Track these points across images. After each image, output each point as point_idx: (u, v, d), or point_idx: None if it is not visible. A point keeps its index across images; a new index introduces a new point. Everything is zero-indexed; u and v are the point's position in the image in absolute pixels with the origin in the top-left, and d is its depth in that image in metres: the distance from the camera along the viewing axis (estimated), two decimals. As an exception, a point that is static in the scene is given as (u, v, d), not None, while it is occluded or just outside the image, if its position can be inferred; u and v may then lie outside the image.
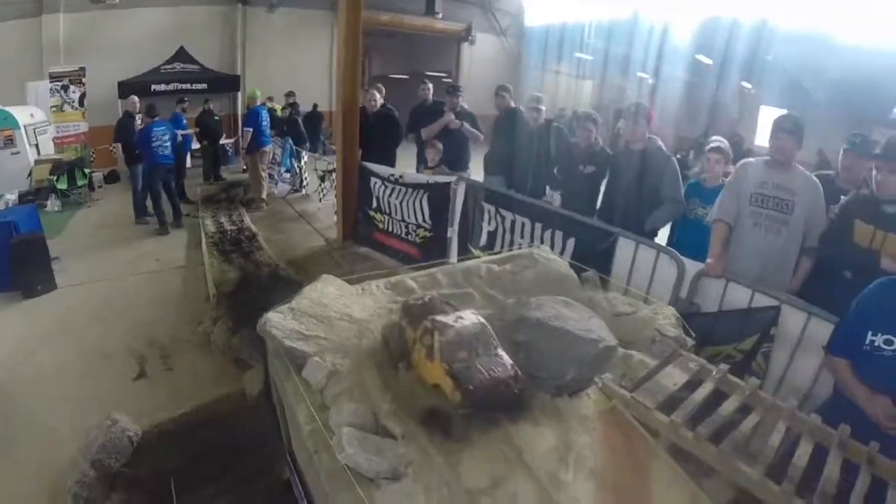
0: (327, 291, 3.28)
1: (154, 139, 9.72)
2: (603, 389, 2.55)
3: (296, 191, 12.22)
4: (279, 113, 14.42)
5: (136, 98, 11.16)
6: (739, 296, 4.27)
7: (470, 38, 21.13)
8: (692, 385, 2.65)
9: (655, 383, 2.61)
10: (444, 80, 18.84)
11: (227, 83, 16.96)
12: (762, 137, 11.25)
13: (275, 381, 3.04)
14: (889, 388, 2.80)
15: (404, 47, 22.10)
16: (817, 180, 4.39)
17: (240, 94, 16.43)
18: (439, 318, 2.61)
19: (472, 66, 20.89)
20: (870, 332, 2.89)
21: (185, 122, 12.47)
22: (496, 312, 3.17)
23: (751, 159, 4.68)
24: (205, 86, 16.18)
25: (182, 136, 11.53)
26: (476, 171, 7.96)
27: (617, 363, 2.83)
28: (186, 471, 3.70)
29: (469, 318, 2.66)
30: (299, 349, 2.80)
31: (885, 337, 2.83)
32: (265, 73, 16.89)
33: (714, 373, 2.72)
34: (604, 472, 2.24)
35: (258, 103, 11.44)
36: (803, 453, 2.30)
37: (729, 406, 2.51)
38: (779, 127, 4.35)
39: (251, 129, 10.92)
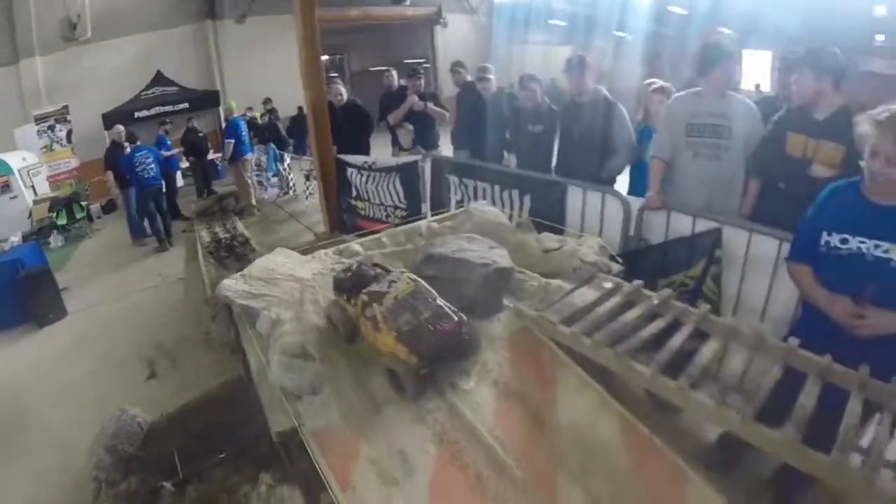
0: (277, 259, 3.68)
1: (138, 164, 10.19)
2: (514, 312, 2.83)
3: (285, 193, 12.50)
4: (259, 120, 14.71)
5: (121, 127, 11.51)
6: (683, 224, 4.48)
7: (441, 20, 21.18)
8: (602, 301, 2.92)
9: (567, 304, 2.89)
10: (424, 65, 19.06)
11: (207, 100, 17.20)
12: (747, 81, 11.44)
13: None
14: (847, 287, 2.91)
15: (379, 40, 22.22)
16: (752, 103, 4.56)
17: (221, 108, 16.64)
18: (373, 288, 2.73)
19: (447, 48, 20.95)
20: (825, 233, 3.00)
21: (169, 143, 12.79)
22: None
23: (680, 93, 4.87)
24: (186, 105, 16.46)
25: (167, 156, 11.88)
26: (448, 148, 8.25)
27: (536, 291, 3.11)
28: (191, 448, 4.02)
29: (401, 280, 2.78)
30: (249, 306, 3.24)
31: (840, 236, 2.94)
32: (244, 83, 17.09)
33: (625, 288, 2.99)
34: (510, 382, 2.53)
35: (235, 115, 11.74)
36: (707, 351, 2.57)
37: (631, 314, 2.77)
38: (708, 57, 4.51)
39: (232, 141, 11.22)
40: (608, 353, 2.51)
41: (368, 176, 7.59)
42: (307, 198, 11.62)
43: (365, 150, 8.36)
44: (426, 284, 2.78)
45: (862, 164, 2.86)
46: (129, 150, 10.62)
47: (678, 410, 3.85)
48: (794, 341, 2.67)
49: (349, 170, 7.89)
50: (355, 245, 3.95)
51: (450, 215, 4.34)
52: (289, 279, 3.52)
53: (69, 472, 4.29)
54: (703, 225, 4.37)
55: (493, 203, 5.64)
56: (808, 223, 3.14)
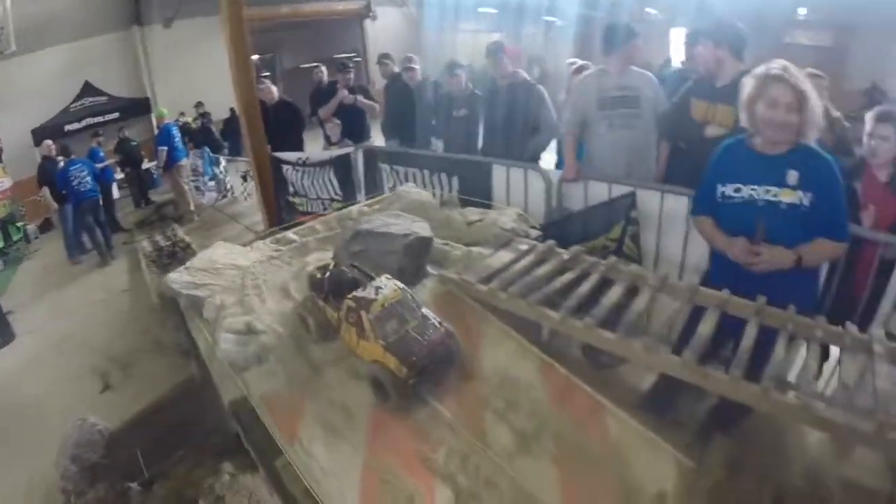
0: (218, 252, 3.94)
1: (73, 178, 10.27)
2: (438, 278, 3.14)
3: (223, 196, 12.58)
4: (192, 125, 14.72)
5: (49, 142, 11.50)
6: (601, 191, 4.86)
7: (371, 14, 21.36)
8: (517, 261, 3.25)
9: (486, 266, 3.22)
10: (355, 59, 19.18)
11: (138, 107, 17.04)
12: (676, 58, 11.89)
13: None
14: (744, 231, 3.23)
15: (310, 36, 22.13)
16: (651, 74, 5.01)
17: (153, 115, 16.52)
18: (359, 293, 2.67)
19: (377, 41, 21.02)
20: (719, 185, 3.33)
21: (102, 154, 12.72)
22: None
23: (585, 72, 5.30)
24: (117, 115, 16.29)
25: (101, 168, 11.87)
26: (380, 139, 8.52)
27: (460, 259, 3.42)
28: (153, 449, 4.20)
29: (387, 285, 2.72)
30: (195, 295, 3.47)
31: (734, 186, 3.27)
32: (175, 88, 16.92)
33: (538, 247, 3.33)
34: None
35: (167, 121, 11.82)
36: (613, 294, 2.91)
37: (542, 270, 3.11)
38: (611, 37, 4.89)
39: (166, 148, 11.30)
40: (521, 303, 2.84)
41: (304, 171, 7.80)
42: (245, 199, 11.72)
43: (298, 147, 8.56)
44: (411, 293, 2.76)
45: (744, 123, 3.24)
46: (62, 164, 10.61)
47: (615, 366, 4.24)
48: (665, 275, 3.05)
49: (284, 167, 8.07)
50: (290, 234, 4.20)
51: (379, 199, 4.63)
52: (230, 268, 3.76)
53: (35, 491, 4.40)
54: (618, 190, 4.75)
55: (424, 186, 5.96)
56: (707, 179, 3.47)
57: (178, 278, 3.66)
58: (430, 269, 3.27)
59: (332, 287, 2.92)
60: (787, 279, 3.12)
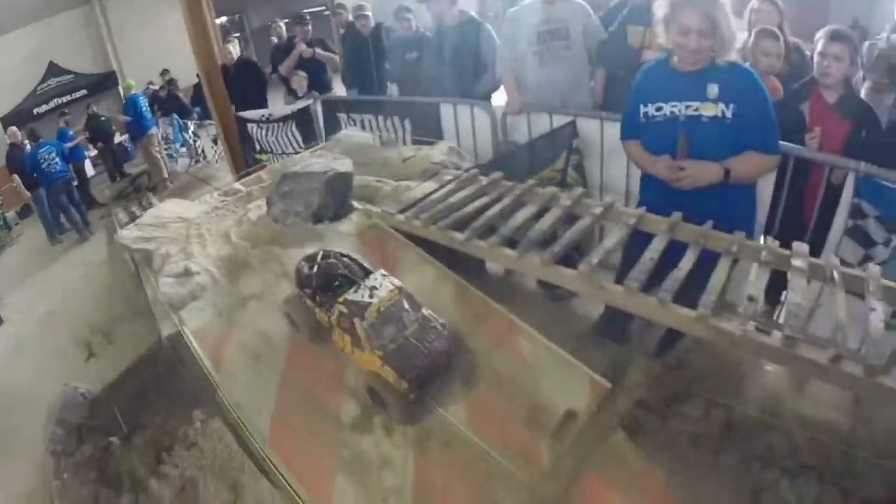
0: (166, 207, 4.21)
1: (42, 161, 10.61)
2: (362, 212, 3.38)
3: (196, 162, 12.74)
4: (160, 93, 14.81)
5: (14, 128, 11.77)
6: (543, 123, 5.07)
7: (335, -34, 21.17)
8: (439, 190, 3.48)
9: (408, 197, 3.46)
10: (324, 13, 19.10)
11: (105, 82, 17.11)
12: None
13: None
14: (667, 148, 3.39)
15: (276, -7, 22.03)
16: (581, 1, 5.15)
17: (121, 88, 16.52)
18: (351, 297, 2.50)
19: (345, -7, 20.86)
20: (642, 106, 3.47)
21: (71, 133, 12.88)
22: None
23: (512, 9, 5.50)
24: (84, 92, 16.39)
25: (71, 147, 12.12)
26: (342, 90, 8.67)
27: (389, 193, 3.66)
28: (132, 406, 4.49)
29: (383, 285, 2.56)
30: (143, 248, 3.76)
31: (655, 105, 3.41)
32: (141, 59, 16.83)
33: (461, 176, 3.55)
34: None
35: (133, 92, 11.99)
36: (521, 215, 3.10)
37: (458, 196, 3.33)
38: None
39: (129, 118, 11.52)
40: (433, 229, 3.07)
41: (268, 128, 7.99)
42: (217, 162, 11.90)
43: (262, 105, 8.69)
44: (408, 291, 2.62)
45: (662, 41, 3.40)
46: (29, 149, 10.90)
47: (569, 298, 4.48)
48: (581, 192, 3.25)
49: (249, 125, 8.25)
50: (237, 185, 4.43)
51: (323, 145, 4.87)
52: (176, 221, 4.02)
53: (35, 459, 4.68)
54: (560, 121, 4.94)
55: (380, 131, 6.18)
56: (631, 102, 3.63)
57: (128, 235, 3.96)
58: (356, 204, 3.48)
59: (321, 282, 2.74)
60: (720, 199, 3.27)
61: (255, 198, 4.06)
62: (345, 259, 2.84)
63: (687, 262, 2.61)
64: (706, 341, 2.47)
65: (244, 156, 8.55)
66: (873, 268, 2.59)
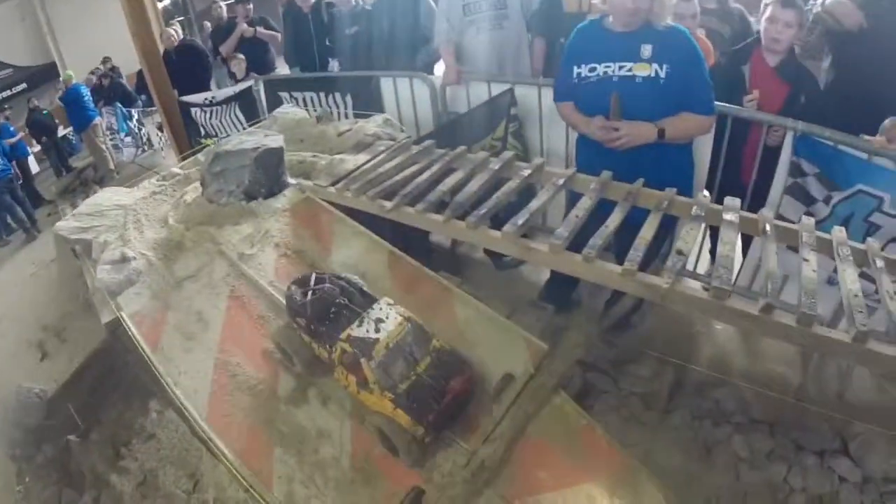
0: (104, 196, 4.16)
1: (-20, 160, 10.27)
2: (296, 187, 3.38)
3: (142, 151, 12.58)
4: (102, 82, 14.54)
5: (-54, 130, 11.44)
6: (482, 92, 5.12)
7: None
8: (370, 161, 3.50)
9: (342, 169, 3.47)
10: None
11: (45, 74, 16.70)
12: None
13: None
14: (601, 109, 3.44)
15: (220, -28, 21.63)
16: None
17: (61, 80, 16.24)
18: (356, 333, 2.27)
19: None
20: (575, 67, 3.53)
21: (12, 129, 12.60)
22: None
23: None
24: (24, 86, 16.08)
25: (12, 143, 11.91)
26: (286, 70, 8.62)
27: (324, 168, 3.66)
28: (88, 402, 4.46)
29: (390, 317, 2.33)
30: (82, 238, 3.76)
31: (589, 66, 3.46)
32: (82, 48, 16.52)
33: (392, 146, 3.58)
34: (290, 243, 3.10)
35: (75, 82, 11.78)
36: (450, 181, 3.15)
37: (389, 165, 3.36)
38: None
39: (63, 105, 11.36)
40: (363, 199, 3.10)
41: (211, 111, 7.93)
42: (163, 149, 11.84)
43: (206, 88, 8.66)
44: (417, 319, 2.40)
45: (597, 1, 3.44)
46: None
47: (516, 266, 4.52)
48: (512, 155, 3.30)
49: (193, 110, 8.18)
50: (175, 168, 4.40)
51: (259, 123, 4.84)
52: (114, 209, 3.98)
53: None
54: (498, 89, 4.99)
55: (322, 108, 6.18)
56: (563, 64, 3.68)
57: (65, 226, 3.96)
58: (290, 180, 3.48)
59: (319, 315, 2.48)
60: (656, 160, 3.34)
61: (192, 180, 4.04)
62: (341, 283, 2.62)
63: (615, 220, 2.66)
64: (657, 303, 2.47)
65: (189, 141, 8.46)
66: (806, 220, 2.67)
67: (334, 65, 7.46)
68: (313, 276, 2.64)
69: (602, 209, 2.78)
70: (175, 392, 2.61)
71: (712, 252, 4.32)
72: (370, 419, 2.30)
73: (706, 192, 2.88)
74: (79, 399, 4.35)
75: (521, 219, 2.67)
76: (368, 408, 2.33)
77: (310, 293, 2.52)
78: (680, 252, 2.41)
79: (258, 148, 3.36)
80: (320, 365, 2.54)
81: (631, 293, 2.50)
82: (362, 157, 3.60)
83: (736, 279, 3.93)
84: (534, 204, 2.82)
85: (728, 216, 2.66)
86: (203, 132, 8.23)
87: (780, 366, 3.95)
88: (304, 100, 6.55)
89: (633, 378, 3.72)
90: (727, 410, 3.61)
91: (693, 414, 3.59)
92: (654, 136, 3.36)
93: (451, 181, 3.11)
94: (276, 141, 3.45)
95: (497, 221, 2.79)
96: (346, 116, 5.91)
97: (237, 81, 8.16)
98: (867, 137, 3.65)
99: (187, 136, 8.45)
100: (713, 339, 4.20)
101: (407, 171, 3.29)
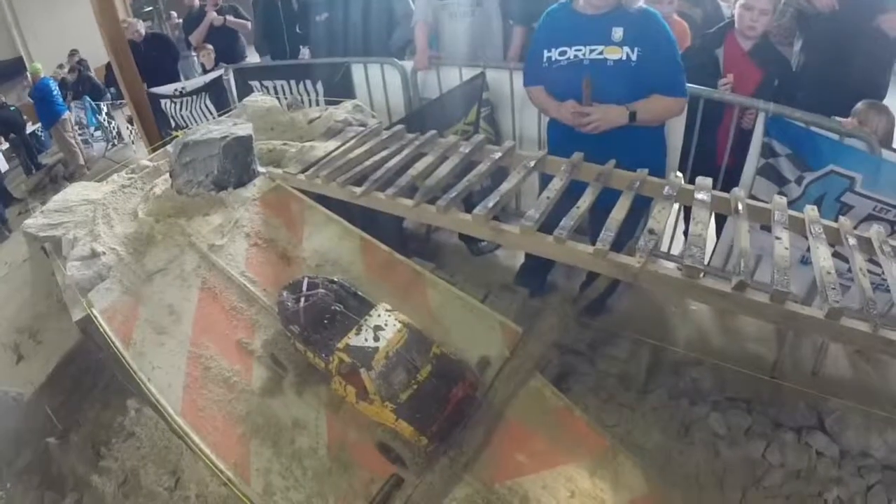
0: (72, 191, 4.08)
1: (-51, 160, 10.08)
2: (266, 176, 3.36)
3: (113, 145, 12.43)
4: (68, 77, 14.34)
5: None
6: (453, 76, 5.12)
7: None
8: (340, 147, 3.48)
9: (311, 156, 3.45)
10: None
11: (12, 69, 16.37)
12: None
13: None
14: (572, 93, 3.45)
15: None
16: None
17: (28, 74, 16.03)
18: (354, 342, 2.21)
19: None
20: (546, 51, 3.52)
21: (-21, 127, 12.45)
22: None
23: None
24: (-10, 82, 15.75)
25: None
26: (256, 58, 8.56)
27: (295, 156, 3.63)
28: (66, 402, 4.41)
29: (389, 324, 2.28)
30: (51, 235, 3.70)
31: (559, 49, 3.46)
32: (49, 41, 16.36)
33: (362, 131, 3.56)
34: (261, 232, 3.07)
35: (43, 76, 11.60)
36: (420, 165, 3.13)
37: (359, 150, 3.34)
38: None
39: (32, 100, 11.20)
40: (332, 185, 3.08)
41: (181, 102, 7.83)
42: (133, 142, 11.63)
43: (175, 79, 8.56)
44: (416, 326, 2.36)
45: None
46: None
47: (492, 251, 4.52)
48: (482, 139, 3.29)
49: (162, 101, 8.07)
50: (144, 161, 4.35)
51: (228, 113, 4.79)
52: (83, 204, 3.93)
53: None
54: (469, 74, 4.98)
55: (293, 96, 6.15)
56: (533, 48, 3.68)
57: (34, 223, 3.88)
58: (259, 168, 3.45)
59: (312, 319, 2.43)
60: (628, 142, 3.33)
61: (162, 172, 3.99)
62: (334, 286, 2.57)
63: (586, 200, 2.66)
64: (633, 284, 2.48)
65: (160, 134, 8.35)
66: (778, 199, 2.69)
67: (305, 52, 7.39)
68: (305, 280, 2.57)
69: (575, 191, 2.78)
70: (149, 388, 2.58)
71: (686, 233, 4.34)
72: (371, 432, 2.26)
73: (679, 174, 2.83)
74: (56, 400, 4.28)
75: (491, 201, 2.66)
76: (368, 418, 2.29)
77: (303, 299, 2.46)
78: (651, 231, 2.41)
79: (226, 137, 3.31)
80: (315, 374, 2.48)
81: (603, 273, 2.50)
82: (332, 144, 3.57)
83: (710, 259, 3.96)
84: (504, 186, 2.81)
85: (700, 195, 2.68)
86: (173, 124, 8.13)
87: (756, 344, 3.99)
88: (274, 88, 6.48)
89: (610, 359, 3.74)
90: (704, 389, 3.64)
91: (670, 393, 3.62)
92: (625, 119, 3.37)
93: (421, 166, 3.09)
94: (244, 129, 3.41)
95: (470, 205, 2.77)
96: (318, 104, 5.85)
97: (206, 72, 8.09)
98: (839, 119, 3.70)
99: (158, 128, 8.33)
100: (689, 319, 4.23)
101: (377, 157, 3.27)
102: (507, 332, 2.59)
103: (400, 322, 2.28)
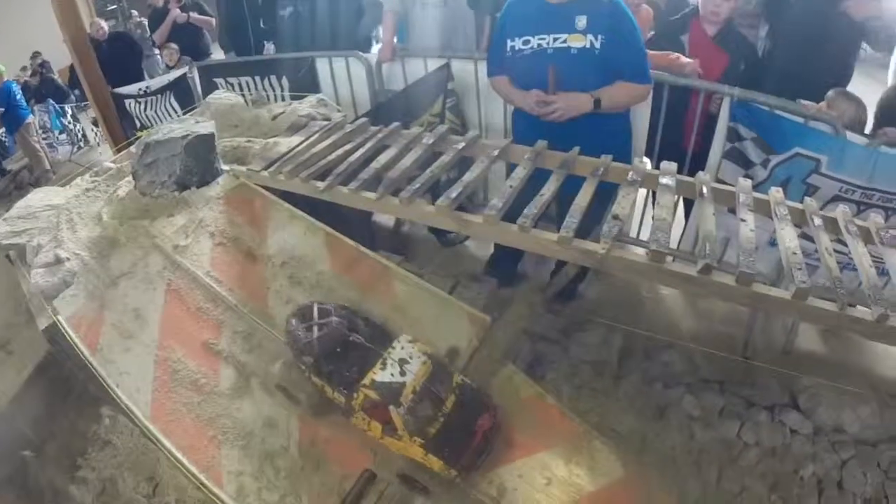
0: (35, 197, 4.00)
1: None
2: (229, 174, 3.33)
3: (78, 148, 12.29)
4: (31, 80, 14.13)
5: None
6: (418, 68, 5.11)
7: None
8: (304, 142, 3.46)
9: (275, 152, 3.42)
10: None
11: (-27, 73, 16.28)
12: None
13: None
14: (536, 82, 3.46)
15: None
16: None
17: (-10, 78, 15.76)
18: (380, 377, 2.17)
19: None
20: (509, 40, 3.52)
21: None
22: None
23: None
24: (-50, 87, 15.53)
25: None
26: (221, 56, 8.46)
27: (259, 152, 3.60)
28: (41, 414, 4.34)
29: (414, 357, 2.24)
30: (14, 244, 3.61)
31: (522, 38, 3.47)
32: (9, 44, 16.12)
33: (325, 125, 3.54)
34: (225, 231, 3.04)
35: (6, 79, 11.43)
36: (384, 157, 3.11)
37: (322, 144, 3.32)
38: None
39: (2, 109, 11.01)
40: (296, 181, 3.05)
41: (146, 102, 7.73)
42: (99, 145, 11.48)
43: (139, 79, 8.46)
44: (439, 356, 2.36)
45: None
46: None
47: (461, 242, 4.52)
48: (445, 129, 3.27)
49: (127, 102, 7.97)
50: (107, 163, 4.29)
51: (191, 111, 4.75)
52: (45, 210, 3.87)
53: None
54: (434, 65, 4.99)
55: (258, 91, 6.09)
56: (496, 38, 3.69)
57: (-6, 231, 3.74)
58: (223, 166, 3.42)
59: (326, 350, 2.32)
60: (594, 130, 3.35)
61: (125, 174, 3.94)
62: (344, 312, 2.45)
63: (550, 188, 2.65)
64: (602, 271, 2.50)
65: (125, 135, 8.22)
66: (743, 181, 2.70)
67: (270, 48, 7.32)
68: (315, 307, 2.47)
69: (541, 180, 2.76)
70: (118, 394, 2.55)
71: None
72: (396, 467, 2.23)
73: (646, 159, 2.84)
74: (30, 412, 4.17)
75: (454, 192, 2.65)
76: (392, 452, 2.26)
77: (315, 328, 2.37)
78: (616, 217, 2.40)
79: (188, 135, 3.26)
80: (330, 406, 2.40)
81: (569, 261, 2.51)
82: (296, 139, 3.54)
83: (679, 244, 3.99)
84: (467, 176, 2.80)
85: (664, 180, 2.68)
86: (139, 124, 8.03)
87: (727, 326, 4.04)
88: (239, 85, 6.41)
89: (582, 346, 3.76)
90: (677, 372, 3.68)
91: (644, 378, 3.64)
92: (589, 106, 3.39)
93: (384, 158, 3.07)
94: (206, 127, 3.36)
95: (437, 197, 2.76)
96: (283, 99, 5.80)
97: (169, 69, 8.01)
98: (805, 102, 3.73)
99: (122, 129, 8.22)
100: (660, 303, 4.27)
101: (340, 151, 3.23)
102: (475, 322, 2.57)
103: (423, 353, 2.25)
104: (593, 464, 2.34)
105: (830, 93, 3.82)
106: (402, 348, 2.25)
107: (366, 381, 2.16)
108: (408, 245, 4.82)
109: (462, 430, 2.15)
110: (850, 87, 4.20)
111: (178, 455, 2.36)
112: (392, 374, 2.16)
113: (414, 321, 2.60)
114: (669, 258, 2.29)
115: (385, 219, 4.70)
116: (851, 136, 3.55)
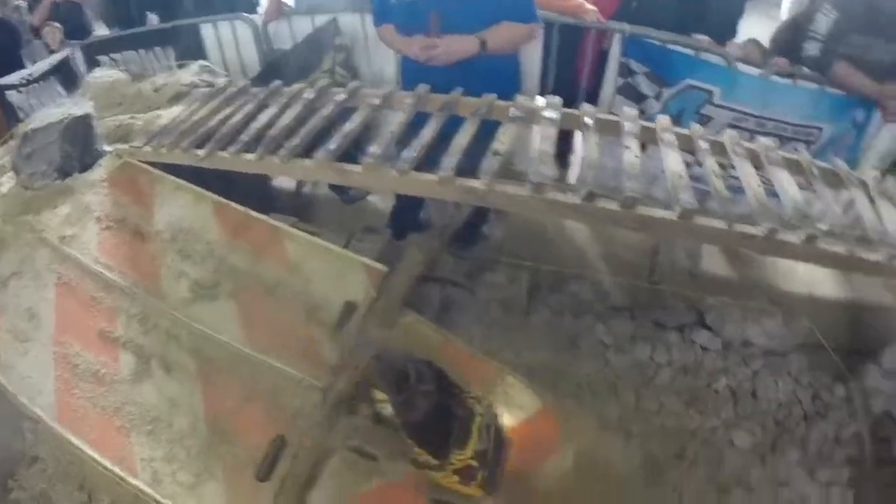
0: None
1: None
2: (112, 154, 3.21)
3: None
4: None
5: None
6: (305, 25, 5.02)
7: None
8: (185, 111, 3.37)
9: (156, 126, 3.32)
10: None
11: None
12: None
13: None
14: (420, 28, 3.43)
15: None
16: None
17: None
18: (480, 447, 2.15)
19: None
20: None
21: None
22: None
23: None
24: None
25: None
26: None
27: (142, 129, 3.48)
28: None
29: (490, 419, 2.25)
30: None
31: None
32: None
33: (207, 92, 3.45)
34: (111, 214, 2.94)
35: None
36: (264, 116, 3.05)
37: (202, 111, 3.24)
38: None
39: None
40: (177, 151, 2.96)
41: (28, 91, 7.41)
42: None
43: (22, 68, 8.10)
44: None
45: None
46: None
47: (363, 198, 4.48)
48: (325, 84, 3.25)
49: (8, 93, 7.64)
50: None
51: (73, 94, 4.58)
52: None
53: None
54: (321, 21, 4.91)
55: (142, 64, 5.89)
56: None
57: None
58: (105, 147, 3.30)
59: (430, 418, 2.11)
60: (482, 73, 3.31)
61: (7, 170, 3.76)
62: (429, 373, 2.17)
63: (429, 131, 2.65)
64: (504, 212, 2.50)
65: (9, 130, 7.91)
66: (628, 110, 2.77)
67: (154, 18, 7.04)
68: (412, 371, 2.10)
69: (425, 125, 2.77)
70: (21, 401, 2.48)
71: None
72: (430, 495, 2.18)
73: (539, 98, 2.87)
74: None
75: (333, 144, 2.63)
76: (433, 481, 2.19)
77: (414, 402, 2.10)
78: (496, 153, 2.44)
79: (63, 119, 3.13)
80: (405, 460, 2.20)
81: (452, 200, 2.59)
82: (178, 110, 3.43)
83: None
84: (347, 126, 2.77)
85: (547, 114, 2.71)
86: (23, 116, 7.70)
87: (633, 253, 4.11)
88: (124, 60, 6.19)
89: (490, 286, 3.79)
90: (586, 302, 3.75)
91: (553, 310, 3.70)
92: (475, 48, 3.36)
93: (264, 118, 3.00)
94: (82, 108, 3.23)
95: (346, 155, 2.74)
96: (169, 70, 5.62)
97: (52, 52, 7.67)
98: (698, 36, 3.79)
99: (7, 123, 7.88)
100: (564, 237, 4.32)
101: (220, 115, 3.14)
102: (371, 274, 2.54)
103: (496, 412, 2.28)
104: (509, 401, 2.38)
105: (746, 40, 3.97)
106: (481, 411, 2.22)
107: (469, 452, 2.13)
108: (311, 206, 4.76)
109: (501, 470, 2.20)
110: (745, 27, 4.33)
111: (90, 451, 2.31)
112: (483, 443, 2.17)
113: (307, 279, 2.56)
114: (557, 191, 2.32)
115: (286, 182, 4.62)
116: (743, 66, 3.64)
